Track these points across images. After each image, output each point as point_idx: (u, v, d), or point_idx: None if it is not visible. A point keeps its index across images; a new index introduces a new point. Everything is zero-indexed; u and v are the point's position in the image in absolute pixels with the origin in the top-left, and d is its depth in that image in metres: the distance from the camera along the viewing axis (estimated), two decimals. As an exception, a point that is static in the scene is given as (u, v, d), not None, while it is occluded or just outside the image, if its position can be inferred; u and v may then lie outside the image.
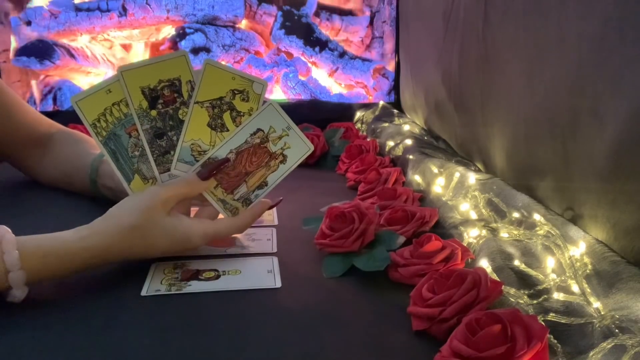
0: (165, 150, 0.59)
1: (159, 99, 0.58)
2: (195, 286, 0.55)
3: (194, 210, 0.63)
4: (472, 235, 0.60)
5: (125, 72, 0.57)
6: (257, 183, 0.60)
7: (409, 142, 0.97)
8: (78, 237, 0.53)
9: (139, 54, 1.51)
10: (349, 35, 1.53)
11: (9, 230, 0.50)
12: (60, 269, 0.52)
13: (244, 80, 0.59)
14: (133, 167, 0.59)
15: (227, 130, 0.59)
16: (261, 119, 0.59)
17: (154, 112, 0.58)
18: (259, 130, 0.59)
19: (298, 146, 0.60)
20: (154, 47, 1.49)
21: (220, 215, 0.61)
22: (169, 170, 0.59)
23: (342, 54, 1.52)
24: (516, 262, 0.53)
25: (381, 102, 1.43)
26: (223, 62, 0.65)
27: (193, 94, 0.58)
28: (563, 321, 0.44)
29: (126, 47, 1.50)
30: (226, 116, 0.59)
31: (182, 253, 0.60)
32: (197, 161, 0.59)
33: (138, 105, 0.58)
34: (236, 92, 0.59)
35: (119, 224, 0.54)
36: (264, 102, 0.60)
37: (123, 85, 0.57)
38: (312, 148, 0.61)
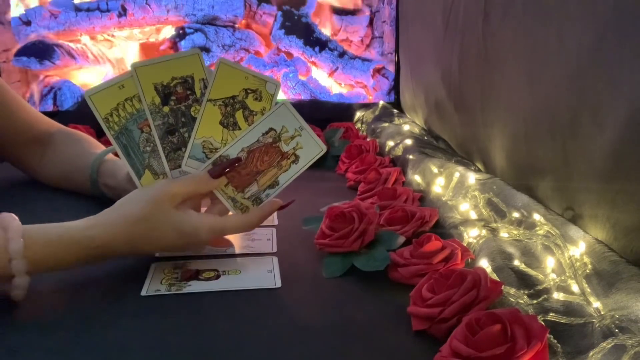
0: (177, 147, 0.59)
1: (172, 96, 0.58)
2: (195, 286, 0.55)
3: (203, 207, 0.63)
4: (472, 235, 0.60)
5: (139, 68, 0.57)
6: (268, 182, 0.60)
7: (409, 142, 0.97)
8: (84, 226, 0.53)
9: (134, 54, 1.51)
10: (348, 35, 1.53)
11: (16, 217, 0.50)
12: (64, 258, 0.51)
13: (257, 80, 0.59)
14: (144, 163, 0.59)
15: (239, 128, 0.59)
16: (273, 119, 0.59)
17: (166, 109, 0.58)
18: (271, 129, 0.59)
19: (310, 147, 0.60)
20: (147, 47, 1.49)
21: (230, 213, 0.61)
22: (179, 166, 0.59)
23: (342, 54, 1.52)
24: (516, 262, 0.53)
25: (381, 102, 1.43)
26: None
27: (206, 92, 0.58)
28: (563, 321, 0.44)
29: (126, 48, 1.50)
30: (238, 115, 0.59)
31: (188, 249, 0.59)
32: (209, 158, 0.59)
33: (151, 101, 0.58)
34: (249, 91, 0.59)
35: (125, 215, 0.54)
36: (277, 102, 0.60)
37: (136, 81, 0.57)
38: (325, 149, 0.60)
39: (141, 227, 0.54)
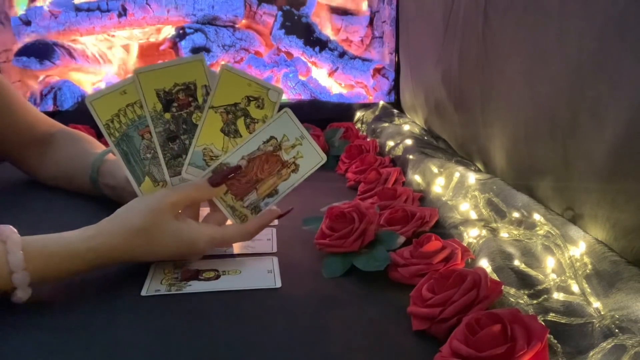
0: (177, 154, 0.59)
1: (174, 102, 0.58)
2: (195, 286, 0.55)
3: (203, 213, 0.62)
4: (472, 235, 0.60)
5: (141, 74, 0.57)
6: (268, 191, 0.60)
7: (409, 142, 0.97)
8: (84, 237, 0.53)
9: (134, 54, 1.51)
10: (348, 35, 1.53)
11: (15, 230, 0.50)
12: (64, 269, 0.52)
13: (260, 87, 0.58)
14: (144, 169, 0.59)
15: (240, 136, 0.59)
16: (275, 127, 0.59)
17: (167, 115, 0.58)
18: (272, 138, 0.59)
19: (311, 156, 0.59)
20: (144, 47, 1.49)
21: (229, 222, 0.61)
22: (179, 174, 0.59)
23: (342, 54, 1.52)
24: (516, 262, 0.53)
25: (381, 102, 1.43)
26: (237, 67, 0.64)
27: (208, 99, 0.58)
28: (563, 321, 0.44)
29: (126, 47, 1.50)
30: (240, 122, 0.59)
31: (188, 257, 0.59)
32: (209, 166, 0.58)
33: (152, 108, 0.57)
34: (251, 98, 0.58)
35: (125, 225, 0.54)
36: (279, 109, 0.59)
37: (138, 87, 0.57)
38: (325, 159, 0.60)
39: (141, 238, 0.54)
